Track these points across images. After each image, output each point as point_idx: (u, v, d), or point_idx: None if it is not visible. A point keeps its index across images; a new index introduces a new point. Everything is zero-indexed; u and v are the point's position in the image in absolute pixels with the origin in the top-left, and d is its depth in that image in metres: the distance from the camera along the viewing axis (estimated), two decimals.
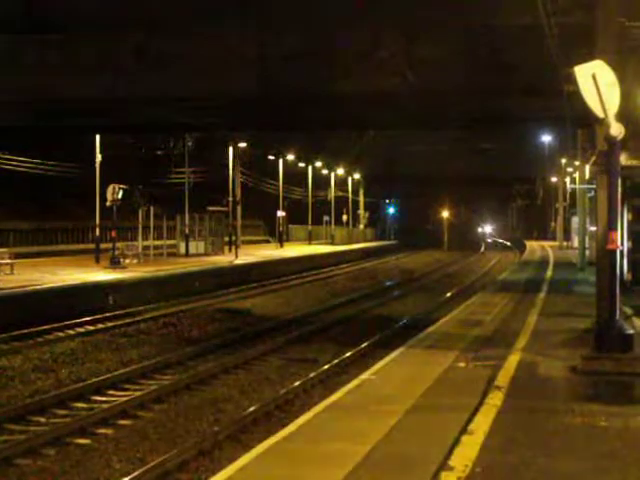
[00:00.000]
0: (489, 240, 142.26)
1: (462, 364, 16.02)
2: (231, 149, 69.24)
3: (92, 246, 50.67)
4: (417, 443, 10.48)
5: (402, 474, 9.26)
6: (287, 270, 54.63)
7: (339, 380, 19.22)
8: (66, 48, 27.67)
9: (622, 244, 23.39)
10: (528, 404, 12.48)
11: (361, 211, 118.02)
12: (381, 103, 29.29)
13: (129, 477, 12.37)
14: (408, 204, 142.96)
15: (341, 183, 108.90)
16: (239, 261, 52.41)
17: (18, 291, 29.90)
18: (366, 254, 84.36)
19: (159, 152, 79.08)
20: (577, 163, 55.81)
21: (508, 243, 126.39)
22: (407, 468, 9.42)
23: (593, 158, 17.75)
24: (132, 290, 35.26)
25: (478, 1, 25.24)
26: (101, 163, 46.26)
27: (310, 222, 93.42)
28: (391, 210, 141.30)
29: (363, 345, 24.37)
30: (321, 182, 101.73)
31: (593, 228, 34.36)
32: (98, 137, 46.10)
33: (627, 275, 27.70)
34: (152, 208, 53.28)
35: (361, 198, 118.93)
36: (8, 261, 37.97)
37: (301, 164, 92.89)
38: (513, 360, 16.12)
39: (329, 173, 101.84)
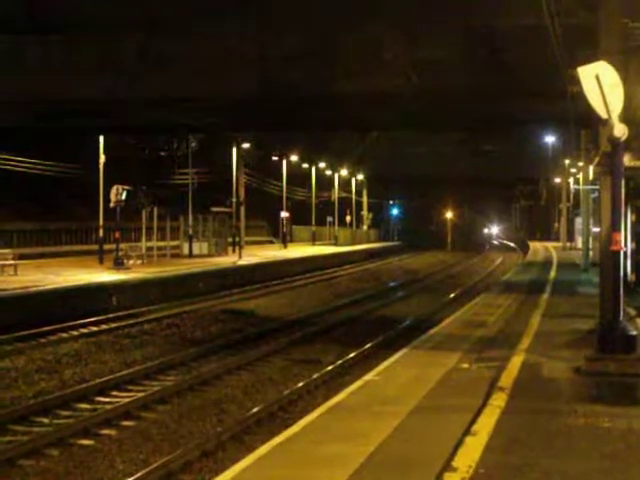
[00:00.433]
0: (495, 242, 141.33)
1: (465, 365, 16.02)
2: (234, 150, 69.24)
3: (96, 247, 50.69)
4: (420, 444, 10.47)
5: (405, 475, 9.25)
6: (291, 271, 54.63)
7: (342, 381, 19.22)
8: (67, 49, 27.71)
9: (626, 245, 23.38)
10: (531, 405, 12.47)
11: (365, 212, 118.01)
12: (383, 104, 29.32)
13: (132, 478, 12.38)
14: (412, 205, 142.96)
15: (345, 184, 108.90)
16: (243, 262, 52.41)
17: (22, 292, 29.92)
18: (370, 255, 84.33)
19: (162, 153, 79.10)
20: (580, 164, 55.75)
21: (512, 244, 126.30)
22: (410, 469, 9.42)
23: (597, 159, 17.72)
24: (136, 291, 35.27)
25: (481, 2, 25.22)
26: (105, 164, 46.26)
27: (314, 223, 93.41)
28: (395, 211, 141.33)
29: (366, 346, 24.37)
30: (325, 183, 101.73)
31: (597, 229, 34.33)
32: (102, 138, 46.10)
33: (631, 276, 27.69)
34: (156, 209, 53.30)
35: (364, 199, 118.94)
36: (12, 262, 38.01)
37: (304, 165, 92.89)
38: (517, 361, 16.11)
39: (332, 174, 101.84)
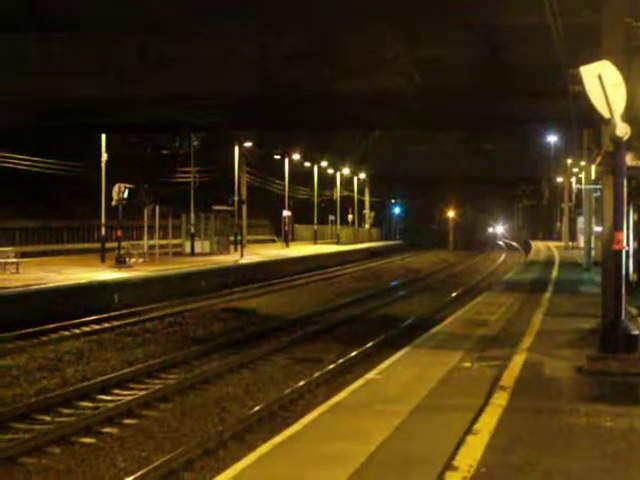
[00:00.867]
0: (500, 242, 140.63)
1: (467, 364, 16.01)
2: (237, 148, 69.25)
3: (98, 245, 50.69)
4: (422, 443, 10.47)
5: (407, 474, 9.25)
6: (292, 270, 54.64)
7: (344, 380, 19.22)
8: (68, 48, 27.70)
9: (628, 244, 23.37)
10: (533, 404, 12.47)
11: (367, 211, 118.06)
12: (384, 103, 29.33)
13: (134, 476, 12.38)
14: (414, 204, 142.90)
15: (347, 183, 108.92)
16: (244, 260, 52.41)
17: (23, 290, 29.93)
18: (372, 254, 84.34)
19: (164, 151, 79.11)
20: (583, 163, 55.74)
21: (514, 243, 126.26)
22: (412, 468, 9.41)
23: (599, 158, 17.72)
24: (137, 289, 35.29)
25: (482, 0, 25.20)
26: (107, 162, 46.26)
27: (316, 222, 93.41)
28: (397, 210, 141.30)
29: (368, 345, 24.37)
30: (327, 182, 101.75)
31: (599, 228, 34.32)
32: (104, 136, 46.09)
33: (633, 275, 27.66)
34: (158, 207, 53.31)
35: (367, 198, 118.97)
36: (14, 260, 38.03)
37: (307, 164, 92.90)
38: (518, 360, 16.11)
39: (335, 173, 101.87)
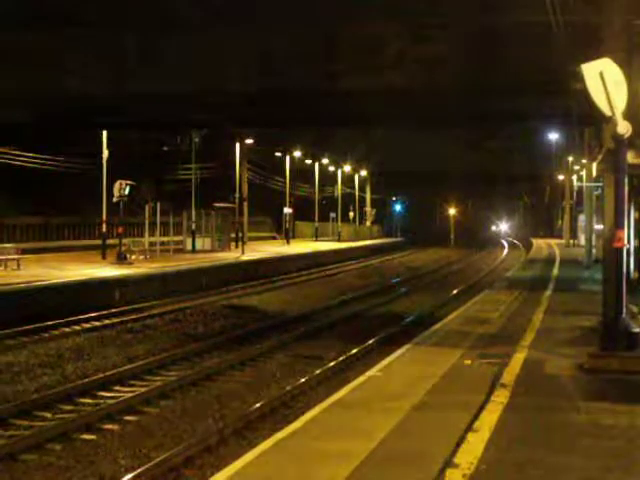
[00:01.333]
0: (502, 240, 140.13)
1: (468, 362, 16.03)
2: (238, 146, 69.25)
3: (99, 242, 50.64)
4: (422, 440, 10.48)
5: (407, 471, 9.26)
6: (293, 267, 54.65)
7: (345, 377, 19.21)
8: (67, 45, 27.70)
9: (629, 242, 23.37)
10: (534, 402, 12.48)
11: (368, 208, 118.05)
12: (386, 101, 29.28)
13: (134, 473, 12.38)
14: (415, 201, 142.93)
15: (348, 180, 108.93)
16: (245, 257, 52.42)
17: (24, 286, 29.94)
18: (372, 251, 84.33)
19: (166, 148, 79.16)
20: (584, 161, 55.77)
21: (515, 241, 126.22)
22: (412, 465, 9.42)
23: (600, 156, 17.72)
24: (138, 286, 35.29)
25: None
26: (108, 159, 46.26)
27: (317, 219, 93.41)
28: (398, 207, 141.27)
29: (369, 342, 24.36)
30: (328, 179, 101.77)
31: (600, 226, 34.31)
32: (105, 133, 46.10)
33: (634, 273, 27.64)
34: (159, 204, 53.30)
35: (368, 195, 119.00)
36: (15, 256, 38.03)
37: (308, 161, 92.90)
38: (519, 358, 16.12)
39: (336, 170, 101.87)
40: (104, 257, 45.20)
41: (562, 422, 11.26)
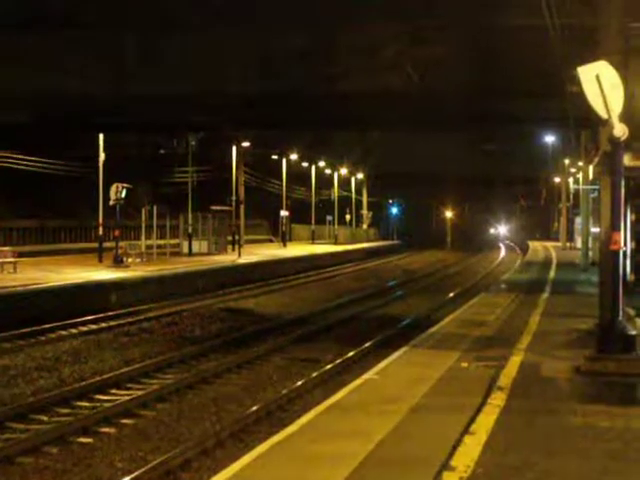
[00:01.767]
0: (500, 244, 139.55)
1: (465, 364, 16.02)
2: (235, 148, 69.24)
3: (95, 245, 50.68)
4: (419, 443, 10.48)
5: (404, 474, 9.26)
6: (290, 269, 54.64)
7: (342, 380, 19.20)
8: (66, 46, 27.68)
9: (625, 245, 23.38)
10: (530, 404, 12.48)
11: (364, 211, 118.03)
12: (383, 103, 29.28)
13: (131, 476, 12.38)
14: (411, 204, 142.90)
15: (345, 183, 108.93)
16: (242, 260, 52.42)
17: (21, 290, 29.92)
18: (369, 254, 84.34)
19: (162, 151, 79.15)
20: (580, 164, 55.82)
21: (511, 244, 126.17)
22: (409, 468, 9.42)
23: (596, 159, 17.76)
24: (135, 289, 35.29)
25: (481, 1, 25.21)
26: (105, 162, 46.25)
27: (313, 222, 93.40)
28: (394, 210, 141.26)
29: (366, 345, 24.36)
30: (324, 182, 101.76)
31: (596, 229, 34.33)
32: (101, 136, 46.10)
33: (630, 276, 27.66)
34: (155, 207, 53.29)
35: (364, 198, 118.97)
36: (11, 259, 38.00)
37: (304, 164, 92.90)
38: (516, 360, 16.12)
39: (332, 173, 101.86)
40: (101, 260, 45.18)
41: (559, 425, 11.26)
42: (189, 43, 27.42)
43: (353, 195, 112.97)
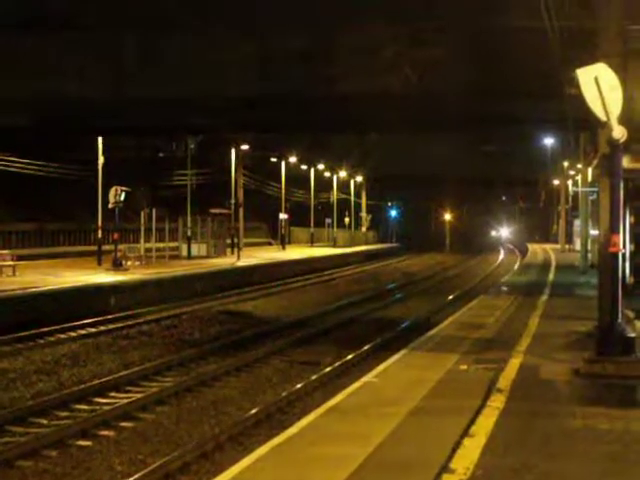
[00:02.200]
0: (500, 247, 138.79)
1: (464, 367, 16.01)
2: (233, 151, 69.21)
3: (94, 248, 50.66)
4: (418, 445, 10.47)
5: (403, 477, 9.25)
6: (289, 272, 54.62)
7: (341, 382, 19.19)
8: (65, 48, 27.67)
9: (624, 247, 23.36)
10: (530, 407, 12.47)
11: (363, 214, 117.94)
12: (382, 104, 29.29)
13: (130, 479, 12.37)
14: (410, 206, 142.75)
15: (343, 186, 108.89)
16: (241, 263, 52.40)
17: (20, 293, 29.91)
18: (368, 257, 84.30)
19: (161, 155, 79.15)
20: (579, 166, 55.82)
21: (510, 246, 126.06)
22: (408, 471, 9.41)
23: (595, 161, 17.75)
24: (134, 292, 35.27)
25: (480, 2, 25.22)
26: (104, 165, 46.24)
27: (312, 224, 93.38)
28: (393, 213, 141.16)
29: (365, 347, 24.35)
30: (323, 184, 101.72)
31: (595, 231, 34.33)
32: (100, 139, 46.10)
33: (629, 278, 27.60)
34: (154, 210, 53.28)
35: (363, 201, 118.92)
36: (10, 263, 37.98)
37: (303, 166, 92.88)
38: (515, 363, 16.12)
39: (331, 176, 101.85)
40: (100, 263, 45.16)
41: (558, 427, 11.25)
42: (188, 45, 27.41)
43: (352, 198, 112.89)
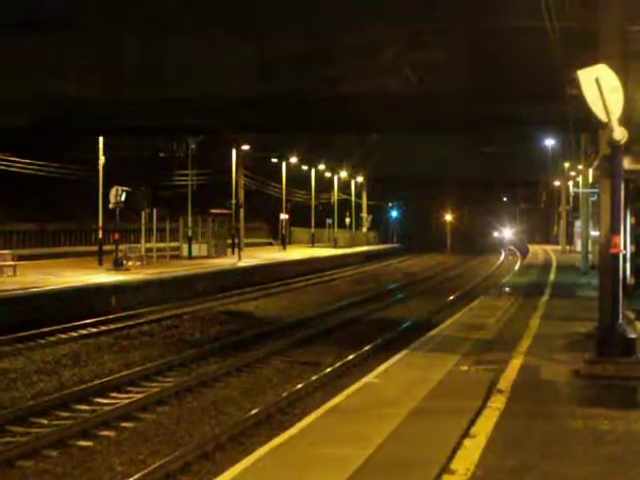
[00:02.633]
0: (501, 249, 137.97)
1: (465, 367, 16.02)
2: (234, 152, 69.21)
3: (95, 248, 50.67)
4: (419, 446, 10.48)
5: (404, 477, 9.26)
6: (290, 273, 54.62)
7: (341, 383, 19.20)
8: (65, 49, 27.66)
9: (625, 248, 23.36)
10: (530, 408, 12.48)
11: (364, 214, 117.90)
12: (383, 105, 29.27)
13: (131, 479, 12.37)
14: (411, 207, 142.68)
15: (344, 186, 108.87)
16: (242, 263, 52.43)
17: (21, 293, 29.92)
18: (369, 257, 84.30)
19: (162, 155, 79.12)
20: (580, 167, 55.80)
21: (511, 247, 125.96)
22: (409, 471, 9.42)
23: (596, 162, 17.76)
24: (135, 292, 35.29)
25: (480, 3, 25.20)
26: (104, 165, 46.26)
27: (313, 225, 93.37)
28: (394, 213, 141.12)
29: (366, 348, 24.36)
30: (324, 185, 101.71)
31: (596, 232, 34.34)
32: (101, 139, 46.12)
33: (630, 279, 27.64)
34: (155, 210, 53.29)
35: (364, 201, 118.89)
36: (11, 263, 38.01)
37: (304, 167, 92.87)
38: (515, 364, 16.12)
39: (332, 176, 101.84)
40: (100, 263, 45.19)
41: (558, 428, 11.26)
42: (189, 45, 27.37)
43: (353, 198, 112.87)
